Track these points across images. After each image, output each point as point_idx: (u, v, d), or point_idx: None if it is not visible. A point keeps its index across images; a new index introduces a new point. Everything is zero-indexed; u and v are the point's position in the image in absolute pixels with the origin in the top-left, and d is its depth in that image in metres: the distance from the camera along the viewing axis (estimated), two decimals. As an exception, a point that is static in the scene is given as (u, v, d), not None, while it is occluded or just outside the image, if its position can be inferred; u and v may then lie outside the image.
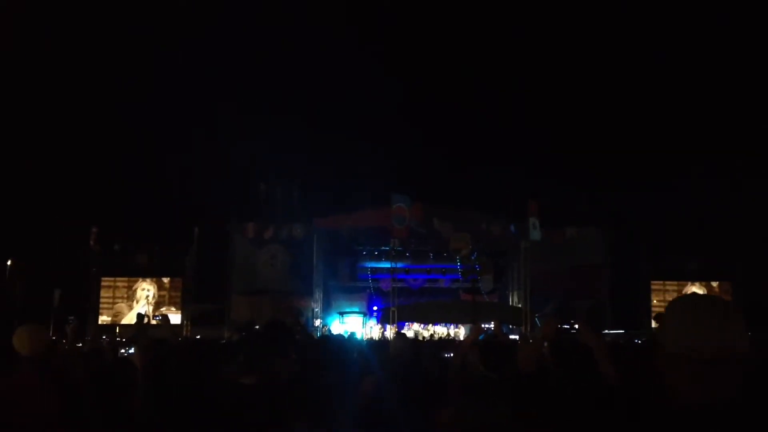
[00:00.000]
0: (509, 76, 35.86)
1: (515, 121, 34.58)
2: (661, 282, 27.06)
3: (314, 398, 3.45)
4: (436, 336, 27.22)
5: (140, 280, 26.47)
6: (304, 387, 3.64)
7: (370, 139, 30.73)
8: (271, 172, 27.49)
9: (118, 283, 26.50)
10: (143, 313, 24.17)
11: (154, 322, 24.34)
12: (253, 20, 33.19)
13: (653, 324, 25.86)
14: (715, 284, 27.00)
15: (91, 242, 25.25)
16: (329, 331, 24.52)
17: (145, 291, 26.42)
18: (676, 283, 27.01)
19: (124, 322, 25.37)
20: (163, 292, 26.61)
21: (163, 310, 26.15)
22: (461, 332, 27.80)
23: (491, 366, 3.79)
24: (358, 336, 24.02)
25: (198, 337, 19.55)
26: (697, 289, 26.63)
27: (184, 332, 24.14)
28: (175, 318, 25.43)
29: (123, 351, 10.59)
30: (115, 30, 31.47)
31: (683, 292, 26.51)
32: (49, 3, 29.23)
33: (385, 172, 30.03)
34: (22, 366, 4.03)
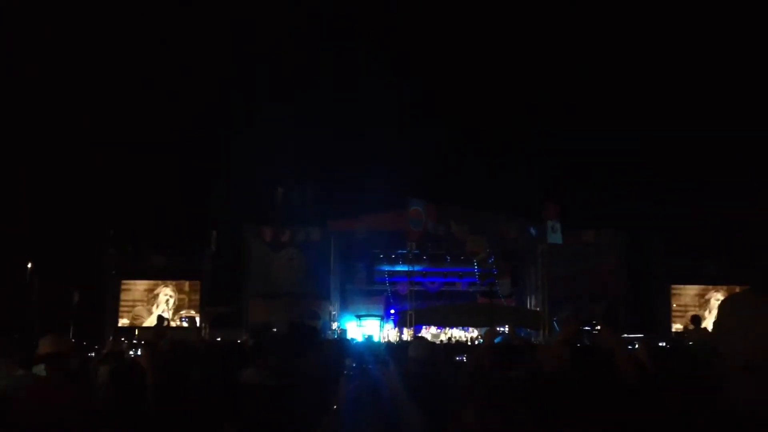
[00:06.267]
0: (527, 78, 35.77)
1: (532, 124, 34.49)
2: (681, 286, 26.87)
3: (333, 401, 3.47)
4: (453, 339, 27.17)
5: (161, 284, 26.65)
6: (323, 390, 3.66)
7: (386, 141, 30.71)
8: (287, 176, 27.60)
9: (138, 286, 26.68)
10: (163, 315, 24.38)
11: (184, 324, 24.57)
12: (270, 24, 33.33)
13: (676, 326, 25.72)
14: (734, 288, 26.74)
15: (108, 245, 25.49)
16: (344, 334, 24.55)
17: (166, 296, 26.60)
18: (695, 287, 26.81)
19: (145, 324, 25.54)
20: (182, 296, 26.78)
21: (183, 312, 26.33)
22: (476, 335, 27.73)
23: (504, 368, 3.79)
24: (375, 339, 24.06)
25: (218, 339, 19.65)
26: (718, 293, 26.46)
27: (203, 334, 24.30)
28: (193, 321, 25.69)
29: (131, 352, 10.66)
30: (132, 34, 31.73)
31: (705, 296, 26.39)
32: (75, 10, 29.52)
33: (402, 175, 29.99)
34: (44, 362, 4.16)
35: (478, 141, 35.83)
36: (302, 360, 4.20)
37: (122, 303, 26.46)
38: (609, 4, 34.78)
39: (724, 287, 26.67)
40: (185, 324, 25.35)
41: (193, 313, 26.16)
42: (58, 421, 3.77)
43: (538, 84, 35.28)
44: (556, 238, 23.87)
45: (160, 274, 26.63)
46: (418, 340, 6.82)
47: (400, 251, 28.16)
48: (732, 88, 30.81)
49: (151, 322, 25.07)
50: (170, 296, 26.62)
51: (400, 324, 26.87)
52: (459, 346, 23.34)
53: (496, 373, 3.87)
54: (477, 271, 28.59)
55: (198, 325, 25.46)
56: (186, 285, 26.79)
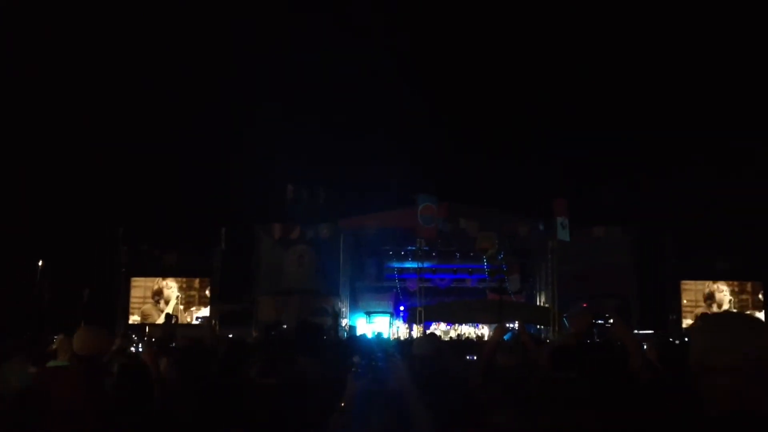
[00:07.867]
0: (536, 75, 35.66)
1: (541, 121, 34.40)
2: (692, 282, 26.71)
3: (341, 399, 3.46)
4: (463, 336, 27.14)
5: (170, 281, 26.69)
6: (331, 388, 3.65)
7: (396, 139, 30.76)
8: (298, 173, 27.62)
9: (147, 284, 26.75)
10: (171, 313, 24.48)
11: (197, 322, 24.65)
12: (280, 23, 33.35)
13: (686, 323, 25.64)
14: (745, 284, 26.59)
15: (119, 243, 25.58)
16: (353, 331, 24.55)
17: (173, 290, 26.66)
18: (705, 282, 26.65)
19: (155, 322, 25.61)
20: (192, 292, 26.81)
21: (193, 309, 26.40)
22: (486, 331, 27.68)
23: (564, 368, 3.74)
24: (385, 336, 24.06)
25: (230, 336, 19.67)
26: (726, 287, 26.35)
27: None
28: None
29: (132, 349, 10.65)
30: (144, 34, 31.81)
31: (715, 293, 26.27)
32: (75, 10, 29.62)
33: (412, 172, 29.99)
34: (73, 363, 4.11)
35: (487, 138, 35.83)
36: (311, 358, 4.19)
37: (132, 300, 26.54)
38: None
39: (735, 283, 26.54)
40: (199, 322, 25.46)
41: (202, 309, 26.23)
42: (84, 418, 3.76)
43: (548, 81, 35.19)
44: (564, 234, 23.72)
45: (170, 271, 26.69)
46: (425, 337, 6.78)
47: (409, 248, 28.13)
48: (744, 84, 30.64)
49: (161, 319, 25.17)
50: (178, 293, 26.67)
51: (409, 320, 26.85)
52: (469, 343, 23.34)
53: (559, 372, 3.83)
54: (486, 268, 28.54)
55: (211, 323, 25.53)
56: (196, 282, 26.85)
